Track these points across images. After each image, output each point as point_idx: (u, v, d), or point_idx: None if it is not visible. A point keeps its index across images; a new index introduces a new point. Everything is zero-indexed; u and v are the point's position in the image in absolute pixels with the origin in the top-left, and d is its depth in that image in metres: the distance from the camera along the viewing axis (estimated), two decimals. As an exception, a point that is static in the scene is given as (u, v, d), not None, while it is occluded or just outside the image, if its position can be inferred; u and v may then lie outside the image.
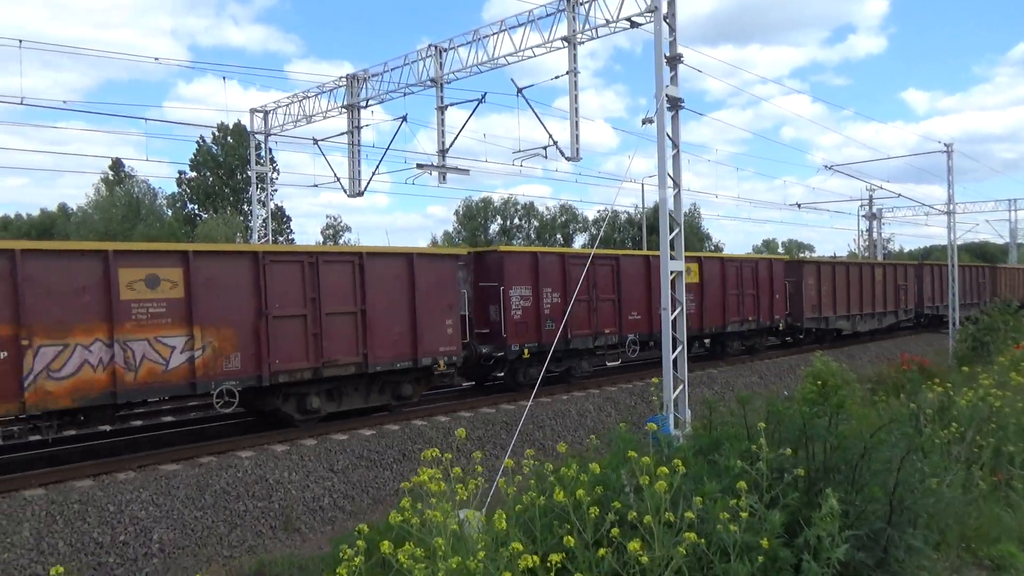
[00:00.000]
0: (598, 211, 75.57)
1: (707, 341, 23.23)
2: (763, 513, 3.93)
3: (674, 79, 13.72)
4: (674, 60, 13.62)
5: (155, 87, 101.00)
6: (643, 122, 13.60)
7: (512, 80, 19.88)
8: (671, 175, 13.96)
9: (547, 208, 78.97)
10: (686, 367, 13.74)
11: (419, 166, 20.34)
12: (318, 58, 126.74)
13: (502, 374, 17.24)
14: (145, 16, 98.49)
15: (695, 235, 68.83)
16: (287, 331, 12.19)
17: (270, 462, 11.20)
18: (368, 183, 23.87)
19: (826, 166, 34.16)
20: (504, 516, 3.63)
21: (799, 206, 42.89)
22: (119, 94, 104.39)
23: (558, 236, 78.46)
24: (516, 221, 79.77)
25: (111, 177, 56.76)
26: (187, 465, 10.84)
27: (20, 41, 15.98)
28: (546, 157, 18.25)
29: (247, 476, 10.72)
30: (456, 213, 77.27)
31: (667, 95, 13.45)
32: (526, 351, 16.02)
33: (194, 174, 57.19)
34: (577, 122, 16.93)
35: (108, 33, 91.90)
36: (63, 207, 64.25)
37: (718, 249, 73.44)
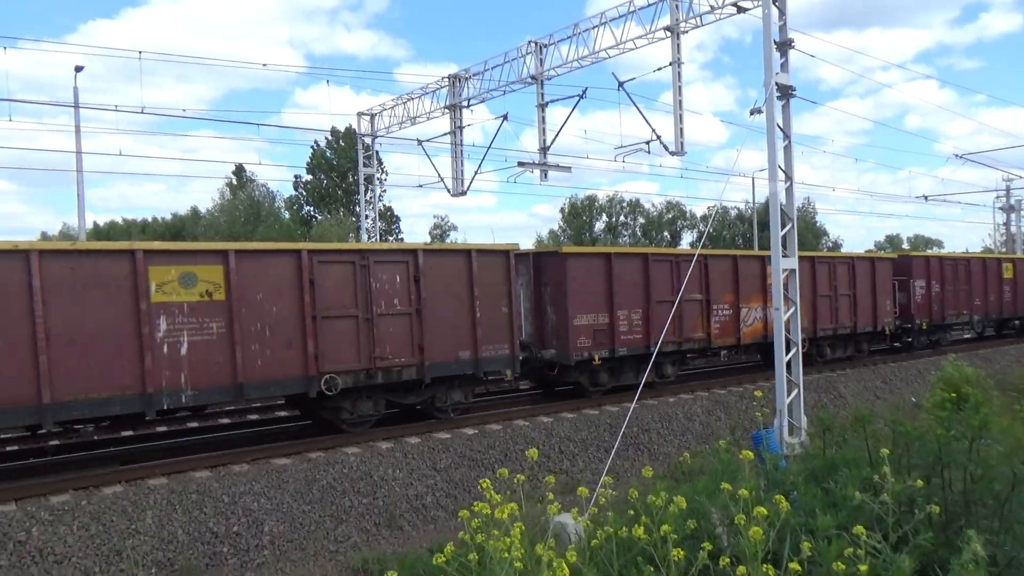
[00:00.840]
0: (707, 208, 73.48)
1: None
2: (888, 557, 3.29)
3: (784, 66, 13.01)
4: (784, 46, 12.91)
5: (275, 95, 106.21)
6: (751, 112, 12.96)
7: (613, 74, 19.57)
8: (782, 167, 13.25)
9: (653, 205, 77.54)
10: (800, 370, 13.03)
11: (520, 164, 20.31)
12: (425, 61, 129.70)
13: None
14: (264, 27, 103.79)
15: (809, 231, 65.67)
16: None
17: (375, 459, 11.39)
18: (471, 182, 24.08)
19: (956, 155, 31.81)
20: (575, 551, 3.23)
21: (926, 199, 40.03)
22: (241, 103, 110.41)
23: (665, 233, 76.89)
24: (622, 218, 78.76)
25: (234, 182, 60.07)
26: (297, 460, 11.18)
27: (140, 52, 17.01)
28: (648, 152, 17.80)
29: (352, 472, 10.95)
30: (561, 211, 77.13)
31: (777, 83, 12.77)
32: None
33: (309, 177, 59.74)
34: (681, 115, 16.37)
35: (233, 45, 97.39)
36: (194, 210, 68.52)
37: (836, 247, 69.78)
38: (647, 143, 18.55)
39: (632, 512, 3.59)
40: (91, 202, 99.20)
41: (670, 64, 17.14)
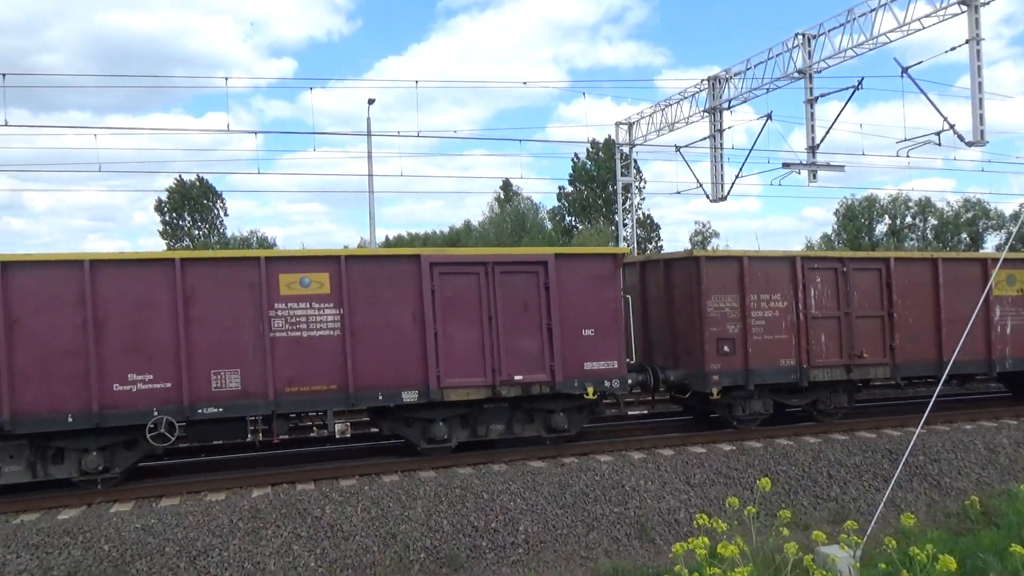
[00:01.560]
0: (1018, 204, 63.14)
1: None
2: None
3: None
4: None
5: (539, 111, 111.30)
6: (1079, 89, 10.82)
7: (895, 60, 17.60)
8: (1124, 152, 10.89)
9: (948, 204, 68.43)
10: None
11: (785, 165, 19.08)
12: (687, 66, 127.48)
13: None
14: (528, 48, 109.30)
15: None
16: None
17: (627, 468, 11.32)
18: (731, 187, 23.14)
19: None
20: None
21: None
22: (509, 121, 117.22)
23: (963, 235, 67.47)
24: (908, 220, 70.62)
25: (501, 196, 63.96)
26: (551, 464, 11.48)
27: (416, 82, 18.74)
28: (939, 144, 15.78)
29: (604, 480, 10.97)
30: (835, 214, 71.18)
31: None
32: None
33: (571, 188, 61.71)
34: (981, 99, 14.25)
35: (502, 68, 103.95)
36: (467, 224, 74.15)
37: None
38: (937, 134, 16.46)
39: (884, 567, 3.06)
40: (383, 218, 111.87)
41: (967, 42, 15.03)
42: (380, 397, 11.09)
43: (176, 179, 59.77)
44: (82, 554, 8.66)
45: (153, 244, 61.88)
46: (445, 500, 10.19)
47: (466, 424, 11.91)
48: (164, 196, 60.12)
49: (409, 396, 11.17)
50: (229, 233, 63.32)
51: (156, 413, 10.14)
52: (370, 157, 28.17)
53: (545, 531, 10.01)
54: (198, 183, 60.35)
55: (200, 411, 10.37)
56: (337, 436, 11.19)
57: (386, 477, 10.90)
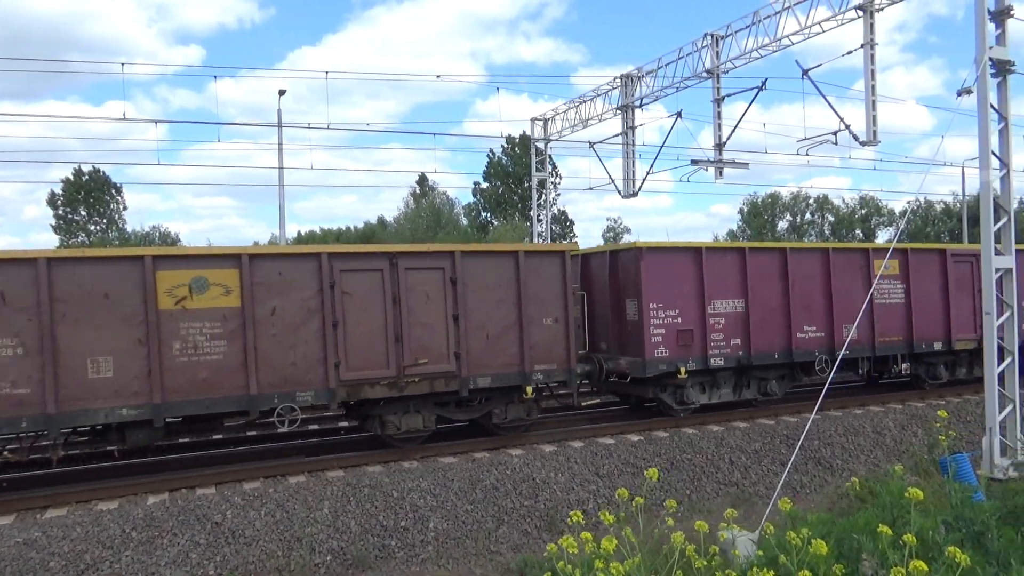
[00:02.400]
0: (907, 202, 67.16)
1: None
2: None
3: (1001, 38, 11.45)
4: (1002, 14, 11.35)
5: (457, 106, 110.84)
6: (959, 93, 11.52)
7: (796, 62, 18.32)
8: (996, 153, 11.67)
9: (844, 201, 72.10)
10: (1016, 383, 11.42)
11: (694, 162, 19.59)
12: (603, 64, 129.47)
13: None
14: (447, 42, 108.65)
15: (1036, 225, 57.91)
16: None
17: (537, 461, 11.37)
18: (642, 183, 23.58)
19: None
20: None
21: None
22: (426, 115, 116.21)
23: (857, 231, 71.26)
24: (808, 216, 74.00)
25: (417, 191, 63.34)
26: (463, 459, 11.41)
27: (326, 73, 18.31)
28: (836, 143, 16.51)
29: (515, 474, 10.98)
30: (740, 211, 73.89)
31: (992, 58, 11.25)
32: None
33: (487, 184, 61.69)
34: (874, 101, 14.99)
35: (420, 61, 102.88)
36: (381, 219, 73.07)
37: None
38: (834, 134, 17.24)
39: (760, 553, 3.14)
40: (295, 213, 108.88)
41: (862, 47, 15.77)
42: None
43: (74, 170, 56.43)
44: (-47, 572, 8.03)
45: (46, 241, 58.23)
46: (353, 500, 9.97)
47: None
48: (59, 189, 56.68)
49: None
50: (130, 228, 60.33)
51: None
52: (280, 149, 27.36)
53: (455, 527, 9.93)
54: (93, 175, 57.10)
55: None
56: None
57: (292, 478, 10.57)
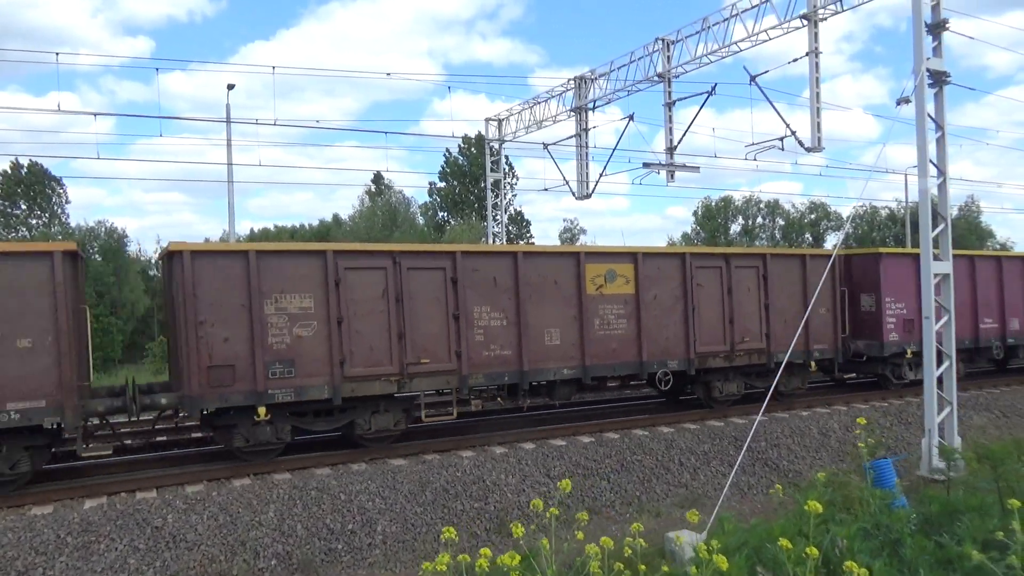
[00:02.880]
0: (853, 207, 68.98)
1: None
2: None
3: (937, 50, 11.82)
4: (937, 27, 11.74)
5: (414, 105, 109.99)
6: (898, 102, 11.87)
7: (744, 68, 18.63)
8: (934, 162, 12.06)
9: (794, 206, 73.64)
10: (954, 386, 11.81)
11: (646, 165, 19.76)
12: (559, 66, 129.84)
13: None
14: (404, 40, 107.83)
15: (972, 232, 60.12)
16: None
17: (488, 463, 11.34)
18: (596, 185, 23.72)
19: None
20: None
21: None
22: (383, 113, 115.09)
23: (807, 236, 72.89)
24: (760, 220, 75.40)
25: (372, 189, 62.71)
26: (412, 461, 11.32)
27: (273, 68, 18.00)
28: (783, 149, 16.83)
29: (466, 476, 10.94)
30: (694, 214, 74.90)
31: (928, 69, 11.61)
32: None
33: (443, 183, 61.42)
34: (819, 108, 15.33)
35: (377, 59, 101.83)
36: (336, 217, 72.09)
37: (1004, 248, 63.36)
38: (781, 139, 17.56)
39: (666, 569, 3.13)
40: (249, 210, 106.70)
41: (807, 55, 16.11)
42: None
43: (12, 163, 54.42)
44: None
45: (-17, 234, 55.93)
46: (300, 503, 9.81)
47: None
48: (-5, 182, 54.56)
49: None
50: (73, 223, 58.40)
51: None
52: (229, 145, 26.76)
53: (404, 530, 9.84)
54: (32, 168, 55.16)
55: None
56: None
57: (237, 481, 10.36)
